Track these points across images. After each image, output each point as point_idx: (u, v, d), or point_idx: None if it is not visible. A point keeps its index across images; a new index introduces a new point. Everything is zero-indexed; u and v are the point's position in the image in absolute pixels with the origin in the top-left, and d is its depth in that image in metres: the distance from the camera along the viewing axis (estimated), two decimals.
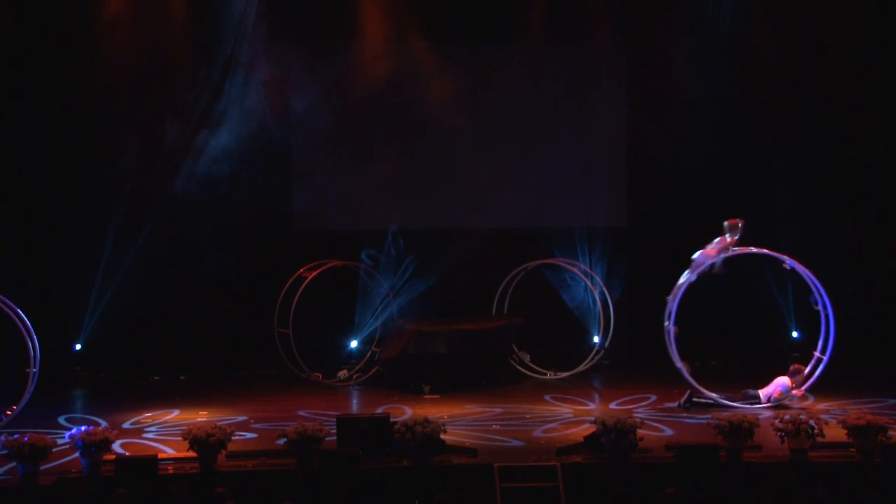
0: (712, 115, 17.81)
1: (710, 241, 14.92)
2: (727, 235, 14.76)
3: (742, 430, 11.61)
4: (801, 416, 11.70)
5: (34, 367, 14.15)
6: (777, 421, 11.76)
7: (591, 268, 17.62)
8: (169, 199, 17.61)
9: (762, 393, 14.69)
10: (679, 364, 14.66)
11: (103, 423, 13.02)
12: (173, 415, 14.58)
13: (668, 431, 13.10)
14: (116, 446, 12.17)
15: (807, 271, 14.72)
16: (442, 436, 11.80)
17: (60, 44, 17.19)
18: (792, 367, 14.82)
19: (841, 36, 17.57)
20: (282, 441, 12.03)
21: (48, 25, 17.15)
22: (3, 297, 14.20)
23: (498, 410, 14.55)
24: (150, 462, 11.34)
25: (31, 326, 14.20)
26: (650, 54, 18.16)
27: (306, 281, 16.92)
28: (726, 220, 14.84)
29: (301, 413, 14.41)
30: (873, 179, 18.00)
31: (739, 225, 14.76)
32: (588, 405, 14.91)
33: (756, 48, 17.82)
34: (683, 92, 17.88)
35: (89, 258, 17.19)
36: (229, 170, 17.68)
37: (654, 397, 15.04)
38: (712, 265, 14.73)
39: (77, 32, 17.26)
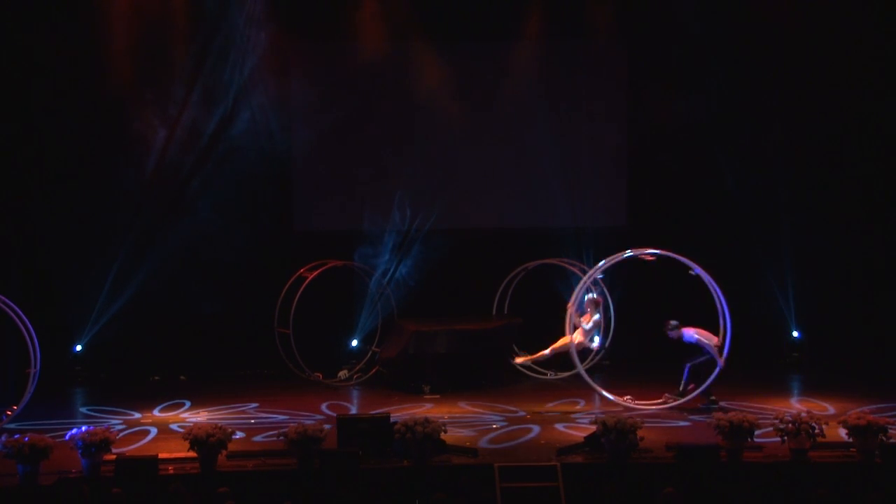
0: (712, 115, 17.81)
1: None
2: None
3: (742, 430, 11.62)
4: (803, 416, 11.72)
5: (34, 368, 14.17)
6: (777, 421, 11.77)
7: (591, 268, 17.58)
8: (171, 200, 17.64)
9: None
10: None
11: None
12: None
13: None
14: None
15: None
16: (442, 436, 11.83)
17: (64, 46, 17.17)
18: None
19: (843, 37, 17.55)
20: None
21: (56, 28, 17.16)
22: (3, 297, 14.21)
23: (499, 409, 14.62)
24: (150, 462, 11.35)
25: (31, 326, 14.21)
26: (650, 54, 18.18)
27: (307, 281, 16.93)
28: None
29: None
30: (875, 179, 18.00)
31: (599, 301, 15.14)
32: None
33: (756, 47, 17.80)
34: (683, 92, 17.89)
35: (90, 258, 17.20)
36: (230, 170, 17.70)
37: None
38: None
39: (83, 34, 17.25)
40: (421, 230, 18.12)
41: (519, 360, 14.87)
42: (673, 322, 14.95)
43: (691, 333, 14.84)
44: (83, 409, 15.23)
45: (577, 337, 14.96)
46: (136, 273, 17.35)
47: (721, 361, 14.58)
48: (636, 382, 16.35)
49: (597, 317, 15.05)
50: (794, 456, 11.61)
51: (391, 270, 17.91)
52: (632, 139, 18.47)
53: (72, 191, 17.35)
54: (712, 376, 14.57)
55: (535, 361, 14.82)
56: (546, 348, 15.47)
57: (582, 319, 15.38)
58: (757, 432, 11.93)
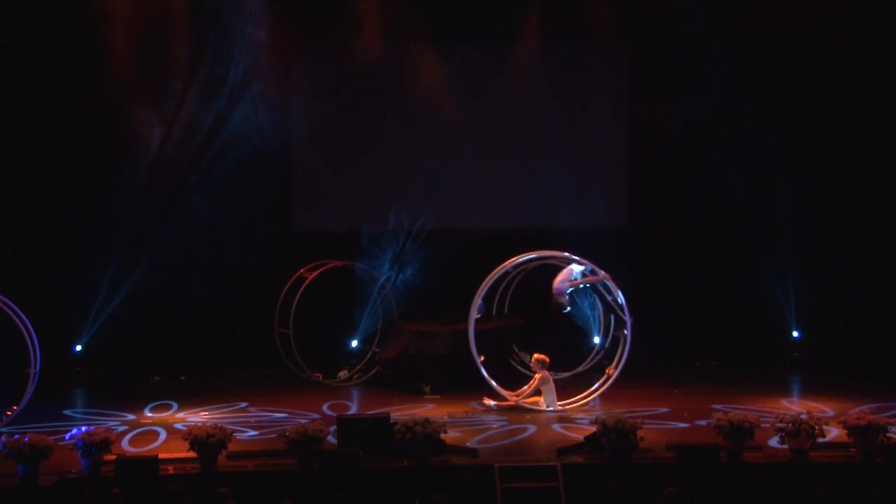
0: (712, 115, 17.80)
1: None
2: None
3: (742, 431, 11.61)
4: (802, 416, 11.73)
5: (34, 368, 14.17)
6: (778, 421, 11.76)
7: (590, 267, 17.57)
8: (171, 200, 17.66)
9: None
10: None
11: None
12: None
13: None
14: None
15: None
16: (442, 436, 11.83)
17: (64, 45, 17.15)
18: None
19: (845, 35, 17.51)
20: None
21: (53, 25, 17.14)
22: (3, 298, 14.21)
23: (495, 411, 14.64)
24: (150, 462, 11.35)
25: (31, 326, 14.21)
26: (650, 54, 18.17)
27: (307, 281, 16.93)
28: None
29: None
30: (876, 179, 17.99)
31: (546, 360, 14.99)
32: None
33: (757, 46, 17.78)
34: (684, 92, 17.89)
35: (90, 258, 17.19)
36: (229, 169, 17.69)
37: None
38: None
39: (80, 31, 17.21)
40: (422, 231, 18.10)
41: (486, 400, 14.93)
42: (557, 304, 15.11)
43: (561, 288, 14.99)
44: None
45: (546, 400, 14.87)
46: (135, 273, 17.34)
47: (604, 276, 14.83)
48: (635, 382, 16.37)
49: (542, 374, 14.91)
50: (794, 456, 11.60)
51: (393, 277, 17.89)
52: (632, 139, 18.46)
53: (71, 190, 17.33)
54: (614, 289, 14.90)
55: (500, 406, 14.90)
56: (521, 389, 15.23)
57: (535, 381, 14.96)
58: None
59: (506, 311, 17.74)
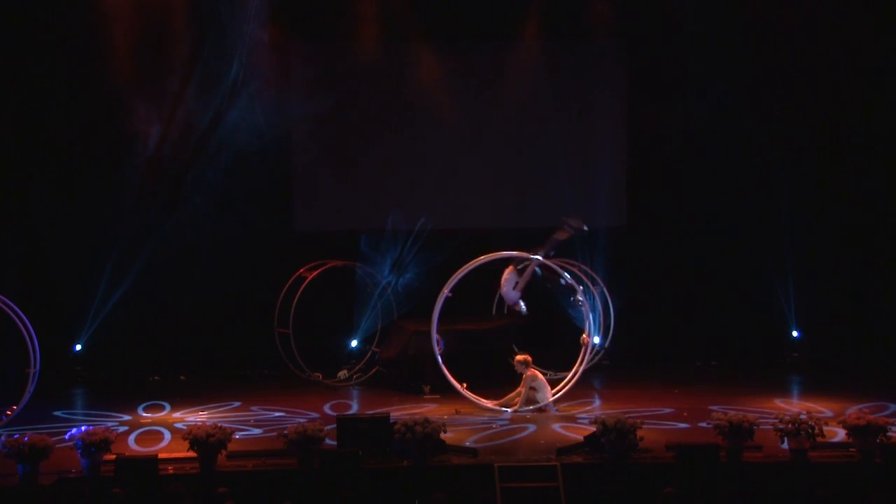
0: (713, 115, 17.79)
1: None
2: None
3: (742, 431, 11.61)
4: (802, 416, 11.73)
5: (34, 367, 14.16)
6: (777, 421, 11.76)
7: (591, 268, 17.59)
8: (170, 199, 17.66)
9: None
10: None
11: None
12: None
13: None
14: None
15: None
16: (442, 436, 11.83)
17: (62, 43, 17.15)
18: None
19: (846, 36, 17.50)
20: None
21: (51, 24, 17.14)
22: (3, 297, 14.21)
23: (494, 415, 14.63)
24: (150, 462, 11.35)
25: (31, 326, 14.21)
26: (650, 54, 18.17)
27: (306, 281, 16.93)
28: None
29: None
30: (876, 179, 17.99)
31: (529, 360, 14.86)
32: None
33: (757, 46, 17.78)
34: (684, 91, 17.89)
35: (90, 258, 17.20)
36: (229, 169, 17.69)
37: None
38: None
39: (78, 29, 17.21)
40: (422, 232, 18.10)
41: (489, 403, 14.93)
42: (517, 311, 15.30)
43: (511, 296, 15.22)
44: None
45: (540, 397, 14.80)
46: (134, 272, 17.34)
47: (534, 261, 14.92)
48: (635, 382, 16.39)
49: (529, 373, 14.86)
50: (793, 456, 11.60)
51: (394, 281, 17.90)
52: (632, 139, 18.46)
53: (71, 190, 17.34)
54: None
55: (502, 405, 14.90)
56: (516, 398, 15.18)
57: (524, 383, 14.85)
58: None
59: (505, 312, 17.75)
